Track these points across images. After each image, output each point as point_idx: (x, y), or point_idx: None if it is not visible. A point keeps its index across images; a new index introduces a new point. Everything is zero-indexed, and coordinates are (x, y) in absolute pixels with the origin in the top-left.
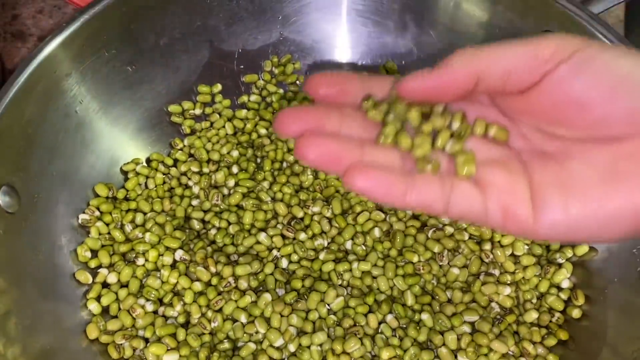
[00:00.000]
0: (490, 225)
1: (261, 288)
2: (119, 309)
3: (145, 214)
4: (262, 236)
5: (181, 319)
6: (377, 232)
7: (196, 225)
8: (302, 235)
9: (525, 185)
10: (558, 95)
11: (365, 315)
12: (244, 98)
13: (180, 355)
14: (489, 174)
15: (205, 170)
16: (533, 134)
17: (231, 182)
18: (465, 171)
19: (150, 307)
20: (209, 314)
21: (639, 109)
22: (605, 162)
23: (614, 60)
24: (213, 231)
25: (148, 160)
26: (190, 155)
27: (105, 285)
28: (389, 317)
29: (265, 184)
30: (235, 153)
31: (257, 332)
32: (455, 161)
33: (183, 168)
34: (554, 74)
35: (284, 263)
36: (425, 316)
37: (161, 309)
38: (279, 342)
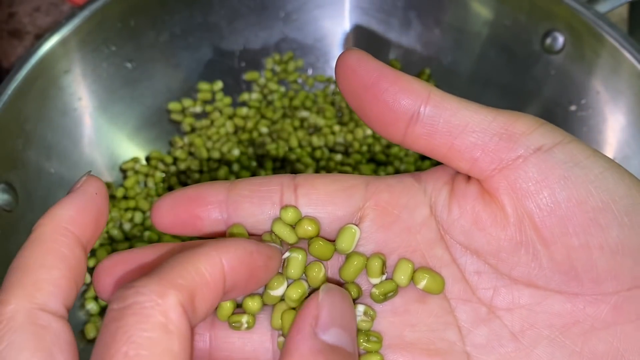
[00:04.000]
0: None
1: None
2: None
3: (144, 212)
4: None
5: None
6: None
7: None
8: None
9: None
10: (531, 196)
11: None
12: (245, 96)
13: None
14: None
15: (206, 168)
16: (482, 277)
17: None
18: None
19: None
20: None
21: (623, 248)
22: (574, 339)
23: (602, 173)
24: None
25: (147, 159)
26: (190, 153)
27: None
28: None
29: None
30: (236, 151)
31: None
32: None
33: (183, 166)
34: (529, 161)
35: None
36: None
37: None
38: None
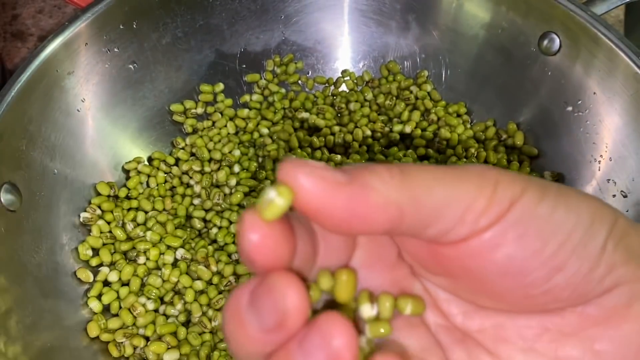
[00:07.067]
0: None
1: None
2: (120, 307)
3: (146, 212)
4: None
5: (182, 318)
6: None
7: (197, 224)
8: None
9: None
10: (485, 260)
11: None
12: (246, 97)
13: (180, 354)
14: None
15: (207, 169)
16: (451, 304)
17: (233, 181)
18: None
19: (151, 306)
20: (210, 312)
21: (584, 275)
22: (547, 347)
23: (551, 213)
24: (214, 230)
25: (150, 159)
26: (192, 154)
27: (106, 283)
28: None
29: (267, 183)
30: (237, 152)
31: None
32: None
33: (185, 167)
34: (484, 234)
35: None
36: None
37: (162, 308)
38: None
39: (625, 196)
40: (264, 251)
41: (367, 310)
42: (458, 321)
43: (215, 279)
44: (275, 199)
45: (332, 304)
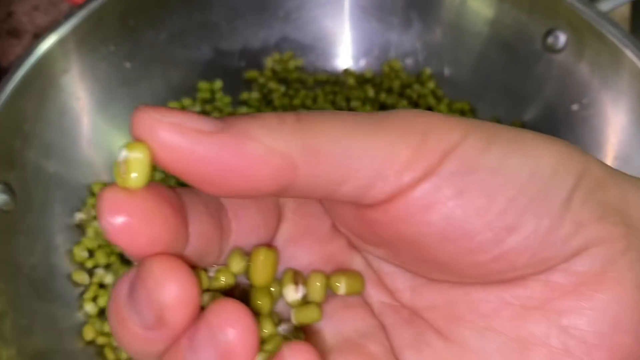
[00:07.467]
0: None
1: None
2: None
3: None
4: None
5: None
6: None
7: None
8: None
9: None
10: (419, 223)
11: None
12: (245, 95)
13: None
14: None
15: None
16: (396, 279)
17: None
18: None
19: None
20: None
21: (544, 236)
22: (506, 325)
23: (500, 163)
24: None
25: None
26: None
27: (102, 285)
28: None
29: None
30: None
31: None
32: None
33: None
34: (413, 192)
35: None
36: None
37: None
38: None
39: None
40: (132, 234)
41: (291, 293)
42: (405, 298)
43: None
44: (129, 157)
45: (252, 290)
